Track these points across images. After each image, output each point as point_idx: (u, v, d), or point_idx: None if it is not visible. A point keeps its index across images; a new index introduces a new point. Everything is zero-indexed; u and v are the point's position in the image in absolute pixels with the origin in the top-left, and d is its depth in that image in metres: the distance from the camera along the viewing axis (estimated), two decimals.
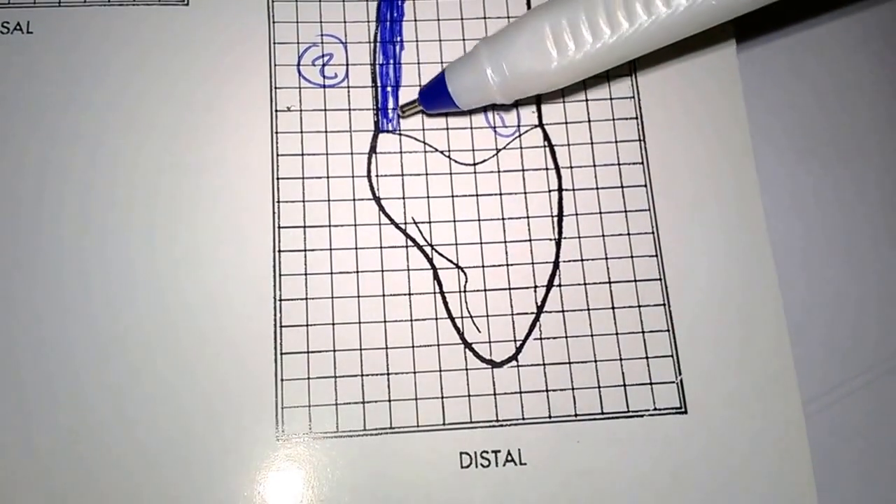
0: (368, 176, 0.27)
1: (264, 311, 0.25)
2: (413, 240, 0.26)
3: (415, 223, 0.26)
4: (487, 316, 0.26)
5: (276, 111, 0.27)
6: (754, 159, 0.27)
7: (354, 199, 0.26)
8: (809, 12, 0.29)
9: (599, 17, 0.24)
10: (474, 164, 0.27)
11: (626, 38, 0.24)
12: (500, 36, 0.25)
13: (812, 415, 0.26)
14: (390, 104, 0.27)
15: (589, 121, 0.28)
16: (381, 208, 0.26)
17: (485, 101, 0.26)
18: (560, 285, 0.26)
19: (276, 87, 0.27)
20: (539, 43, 0.24)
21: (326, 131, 0.27)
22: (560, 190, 0.27)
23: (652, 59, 0.28)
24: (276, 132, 0.27)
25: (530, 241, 0.26)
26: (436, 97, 0.26)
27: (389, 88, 0.28)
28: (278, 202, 0.26)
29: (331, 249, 0.26)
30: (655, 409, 0.25)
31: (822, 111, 0.29)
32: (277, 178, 0.26)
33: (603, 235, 0.27)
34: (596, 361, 0.25)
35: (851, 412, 0.26)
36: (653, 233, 0.27)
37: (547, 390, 0.25)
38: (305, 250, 0.26)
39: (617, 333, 0.26)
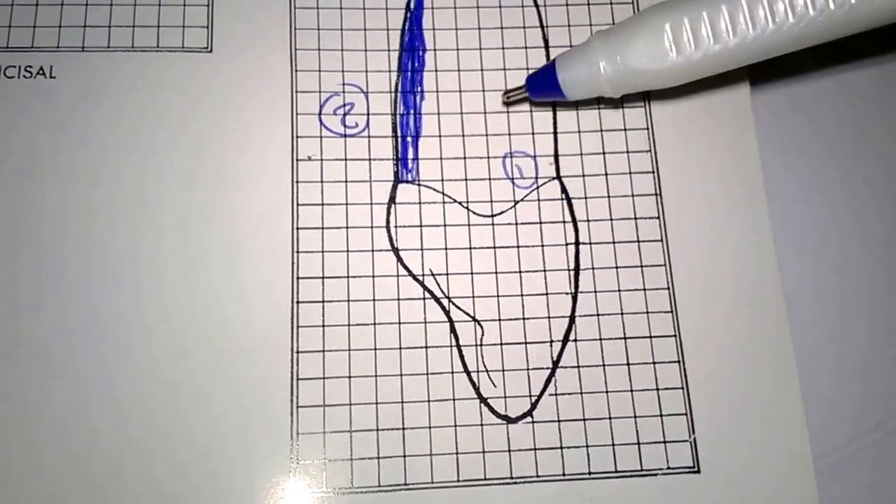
0: (387, 226, 0.27)
1: (281, 363, 0.25)
2: (430, 292, 0.26)
3: (432, 275, 0.26)
4: (503, 370, 0.26)
5: (298, 160, 0.27)
6: (770, 219, 0.27)
7: (373, 250, 0.26)
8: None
9: (721, 18, 0.24)
10: (492, 216, 0.27)
11: (746, 42, 0.24)
12: (616, 30, 0.25)
13: (823, 471, 0.26)
14: (410, 154, 0.27)
15: (606, 174, 0.28)
16: (400, 259, 0.26)
17: (593, 94, 0.26)
18: (576, 340, 0.26)
19: (297, 136, 0.27)
20: (657, 39, 0.24)
21: (346, 181, 0.27)
22: (577, 243, 0.27)
23: (668, 110, 0.28)
24: (297, 181, 0.27)
25: (547, 294, 0.26)
26: (544, 85, 0.26)
27: (409, 139, 0.28)
28: (298, 252, 0.26)
29: (349, 301, 0.26)
30: (669, 467, 0.25)
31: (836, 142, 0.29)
32: (297, 228, 0.26)
33: (619, 290, 0.27)
34: (610, 418, 0.25)
35: (862, 469, 0.26)
36: (668, 288, 0.27)
37: (561, 447, 0.25)
38: (323, 301, 0.26)
39: (632, 390, 0.26)
